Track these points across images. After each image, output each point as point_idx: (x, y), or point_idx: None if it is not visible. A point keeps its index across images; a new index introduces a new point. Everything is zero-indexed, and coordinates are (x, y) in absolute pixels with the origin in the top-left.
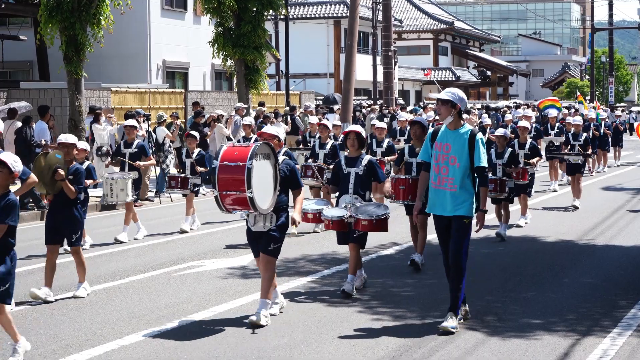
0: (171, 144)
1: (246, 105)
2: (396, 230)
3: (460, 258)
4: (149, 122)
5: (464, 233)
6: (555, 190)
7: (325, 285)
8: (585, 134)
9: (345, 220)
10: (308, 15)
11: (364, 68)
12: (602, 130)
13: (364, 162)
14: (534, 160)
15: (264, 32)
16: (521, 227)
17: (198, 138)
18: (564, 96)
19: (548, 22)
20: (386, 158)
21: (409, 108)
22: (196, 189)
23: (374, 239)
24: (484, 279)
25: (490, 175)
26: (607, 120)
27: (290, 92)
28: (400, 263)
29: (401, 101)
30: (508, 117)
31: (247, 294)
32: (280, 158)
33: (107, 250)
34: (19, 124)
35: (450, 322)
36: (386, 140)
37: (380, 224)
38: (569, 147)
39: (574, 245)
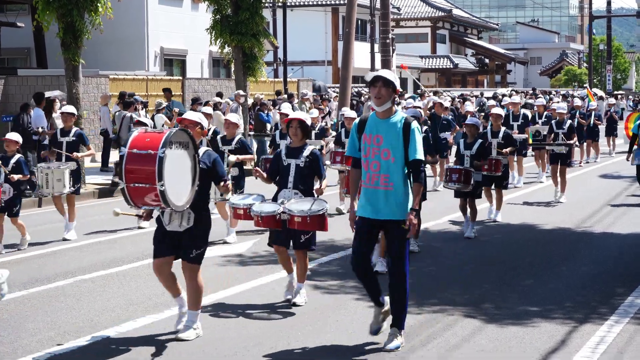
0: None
1: (244, 93)
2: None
3: (403, 270)
4: (147, 109)
5: (404, 240)
6: (542, 182)
7: (322, 272)
8: (570, 122)
9: (277, 217)
10: (306, 3)
11: (361, 55)
12: (592, 121)
13: (306, 153)
14: (507, 150)
15: (262, 19)
16: (498, 222)
17: (149, 125)
18: (562, 84)
19: (546, 9)
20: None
21: (407, 95)
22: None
23: None
24: (481, 267)
25: (456, 165)
26: (597, 110)
27: (288, 79)
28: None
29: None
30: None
31: (244, 282)
32: (202, 149)
33: (104, 238)
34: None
35: (395, 342)
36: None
37: (317, 222)
38: (552, 135)
39: (571, 233)
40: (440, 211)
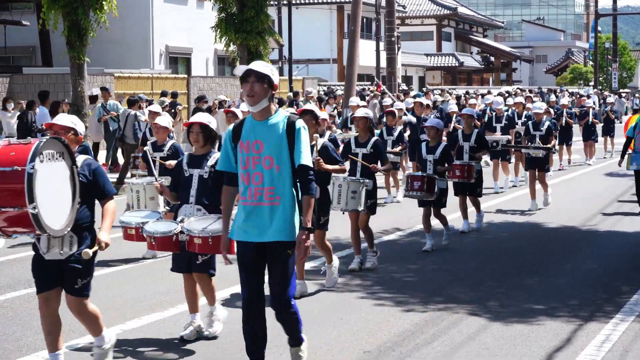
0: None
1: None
2: (399, 215)
3: (289, 301)
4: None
5: (292, 266)
6: (515, 186)
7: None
8: (547, 123)
9: (174, 238)
10: (311, 1)
11: (367, 53)
12: (590, 119)
13: (211, 162)
14: (480, 154)
15: (267, 17)
16: (479, 229)
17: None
18: (567, 82)
19: (552, 7)
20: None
21: (412, 93)
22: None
23: (376, 224)
24: (486, 265)
25: (418, 172)
26: (594, 108)
27: (293, 77)
28: (403, 249)
29: (404, 87)
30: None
31: None
32: (81, 158)
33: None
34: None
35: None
36: (328, 133)
37: (217, 244)
38: (527, 138)
39: (576, 231)
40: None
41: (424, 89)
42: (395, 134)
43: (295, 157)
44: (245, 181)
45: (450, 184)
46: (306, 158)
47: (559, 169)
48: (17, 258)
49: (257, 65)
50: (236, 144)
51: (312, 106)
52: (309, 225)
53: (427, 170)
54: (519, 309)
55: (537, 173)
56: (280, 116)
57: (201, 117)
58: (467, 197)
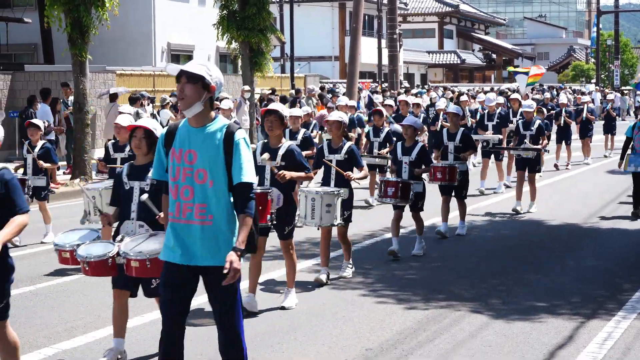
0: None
1: (249, 89)
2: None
3: (236, 337)
4: (153, 105)
5: (234, 291)
6: (500, 192)
7: (330, 268)
8: (538, 122)
9: (110, 262)
10: None
11: (369, 51)
12: (584, 115)
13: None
14: (466, 154)
15: (269, 14)
16: (462, 235)
17: (42, 128)
18: (569, 79)
19: (554, 4)
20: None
21: (413, 91)
22: (43, 193)
23: (377, 222)
24: (488, 262)
25: (391, 176)
26: (590, 104)
27: (295, 75)
28: (406, 246)
29: (406, 84)
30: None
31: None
32: None
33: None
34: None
35: None
36: (302, 131)
37: (157, 267)
38: (517, 138)
39: (578, 228)
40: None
41: (426, 87)
42: (382, 135)
43: (234, 173)
44: (173, 194)
45: (436, 187)
46: (247, 174)
47: (555, 169)
48: (16, 256)
49: (191, 65)
50: (168, 149)
51: (277, 105)
52: (242, 246)
53: (403, 173)
54: (521, 306)
55: (527, 174)
56: (219, 124)
57: (146, 122)
58: (453, 200)
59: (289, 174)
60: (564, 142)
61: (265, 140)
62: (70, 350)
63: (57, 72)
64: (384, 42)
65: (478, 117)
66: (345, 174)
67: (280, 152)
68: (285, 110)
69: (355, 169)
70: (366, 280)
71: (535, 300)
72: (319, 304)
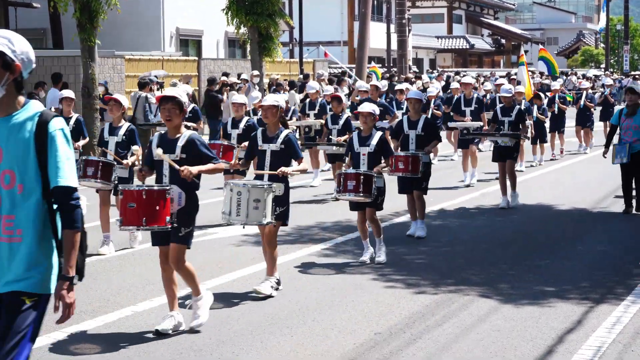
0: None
1: (258, 73)
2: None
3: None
4: (162, 90)
5: (26, 326)
6: (470, 185)
7: (339, 252)
8: (518, 107)
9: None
10: None
11: (377, 36)
12: (582, 103)
13: None
14: (430, 146)
15: None
16: (422, 237)
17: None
18: (578, 64)
19: None
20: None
21: (424, 76)
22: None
23: (386, 207)
24: (497, 247)
25: (348, 168)
26: (589, 91)
27: (304, 60)
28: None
29: (415, 69)
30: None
31: (260, 262)
32: None
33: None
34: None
35: None
36: (245, 119)
37: None
38: (496, 125)
39: (587, 213)
40: (455, 191)
41: (435, 72)
42: (341, 122)
43: (50, 174)
44: None
45: (402, 183)
46: (65, 176)
47: (551, 159)
48: None
49: None
50: None
51: (174, 90)
52: (72, 273)
53: (361, 167)
54: (530, 291)
55: (506, 164)
56: (30, 111)
57: (174, 91)
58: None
59: (195, 169)
60: (556, 131)
61: (163, 132)
62: (79, 335)
63: (66, 57)
64: (392, 27)
65: (475, 104)
66: (278, 172)
67: (179, 143)
68: (183, 96)
69: (293, 161)
70: (375, 265)
71: (544, 285)
72: (328, 289)
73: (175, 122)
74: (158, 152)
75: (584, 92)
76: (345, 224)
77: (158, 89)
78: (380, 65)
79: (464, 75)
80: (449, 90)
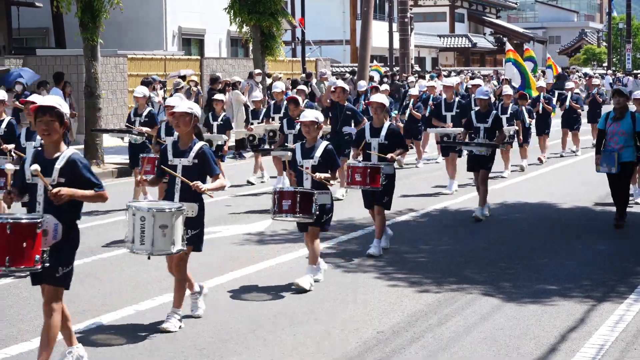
0: None
1: (261, 72)
2: (413, 197)
3: None
4: (165, 89)
5: None
6: (449, 193)
7: (341, 251)
8: (494, 112)
9: None
10: None
11: (380, 35)
12: (567, 104)
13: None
14: (394, 154)
15: None
16: (373, 256)
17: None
18: (580, 63)
19: None
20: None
21: (427, 76)
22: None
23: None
24: (499, 245)
25: (284, 185)
26: (574, 92)
27: (306, 59)
28: (417, 230)
29: (417, 68)
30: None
31: (262, 260)
32: None
33: (122, 217)
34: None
35: None
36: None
37: None
38: (471, 132)
39: (589, 211)
40: (457, 191)
41: (436, 69)
42: (298, 126)
43: None
44: None
45: (359, 196)
46: None
47: (538, 163)
48: None
49: None
50: None
51: (51, 99)
52: None
53: (304, 182)
54: (532, 289)
55: (480, 173)
56: None
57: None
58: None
59: (67, 192)
60: (542, 133)
61: (40, 148)
62: (81, 333)
63: (68, 56)
64: (395, 25)
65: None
66: (192, 184)
67: (58, 164)
68: (64, 106)
69: (208, 178)
70: (377, 263)
71: (546, 284)
72: (331, 287)
73: (53, 137)
74: (33, 168)
75: (569, 93)
76: (347, 222)
77: (161, 89)
78: (383, 64)
79: (450, 75)
80: (425, 89)
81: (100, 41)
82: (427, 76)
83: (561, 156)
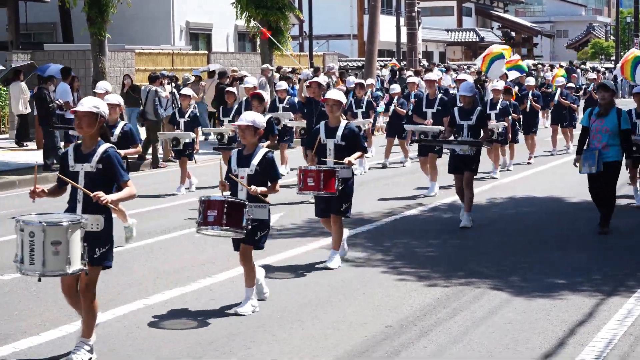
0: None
1: (272, 67)
2: (422, 191)
3: None
4: (174, 84)
5: None
6: (431, 195)
7: (349, 245)
8: (479, 109)
9: None
10: None
11: (387, 29)
12: (556, 99)
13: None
14: (351, 158)
15: None
16: (331, 269)
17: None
18: (588, 57)
19: None
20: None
21: (435, 69)
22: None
23: (399, 200)
24: (507, 239)
25: (220, 196)
26: (563, 88)
27: (314, 53)
28: (425, 224)
29: (425, 62)
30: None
31: (270, 255)
32: None
33: (132, 211)
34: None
35: None
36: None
37: None
38: (454, 130)
39: None
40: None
41: (445, 64)
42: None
43: None
44: None
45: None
46: None
47: (527, 163)
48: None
49: None
50: None
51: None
52: None
53: (239, 191)
54: (541, 283)
55: (464, 175)
56: None
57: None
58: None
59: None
60: (529, 132)
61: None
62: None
63: (76, 51)
64: (402, 20)
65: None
66: (93, 195)
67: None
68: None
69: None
70: (386, 257)
71: (555, 278)
72: (339, 282)
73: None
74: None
75: (559, 89)
76: (356, 217)
77: (169, 83)
78: (390, 58)
79: (458, 70)
80: (405, 86)
81: (108, 36)
82: (435, 69)
83: (552, 154)
